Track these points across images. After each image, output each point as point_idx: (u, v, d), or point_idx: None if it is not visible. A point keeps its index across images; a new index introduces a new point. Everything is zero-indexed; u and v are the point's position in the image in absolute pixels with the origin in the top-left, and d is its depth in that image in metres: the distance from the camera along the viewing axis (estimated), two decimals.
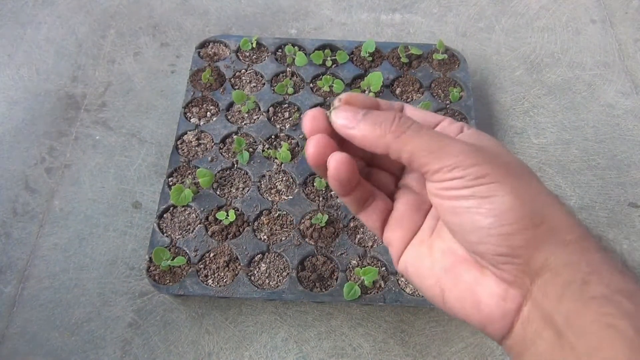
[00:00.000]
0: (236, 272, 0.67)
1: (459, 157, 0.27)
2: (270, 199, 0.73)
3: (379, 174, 0.34)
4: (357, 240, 0.70)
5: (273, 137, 0.80)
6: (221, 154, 0.77)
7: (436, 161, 0.27)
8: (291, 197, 0.73)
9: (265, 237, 0.70)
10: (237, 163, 0.76)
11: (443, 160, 0.27)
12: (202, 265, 0.68)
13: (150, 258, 0.68)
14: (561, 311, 0.25)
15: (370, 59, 0.87)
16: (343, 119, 0.29)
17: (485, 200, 0.26)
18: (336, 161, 0.29)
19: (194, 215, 0.72)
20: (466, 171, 0.27)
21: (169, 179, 0.74)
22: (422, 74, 0.86)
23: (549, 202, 0.27)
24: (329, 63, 0.86)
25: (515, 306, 0.27)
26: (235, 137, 0.78)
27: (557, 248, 0.26)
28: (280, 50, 0.89)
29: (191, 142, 0.78)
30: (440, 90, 0.84)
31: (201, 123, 0.80)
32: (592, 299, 0.24)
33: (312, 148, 0.29)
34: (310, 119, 0.30)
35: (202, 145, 0.78)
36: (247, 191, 0.74)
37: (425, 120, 0.32)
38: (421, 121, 0.31)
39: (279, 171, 0.76)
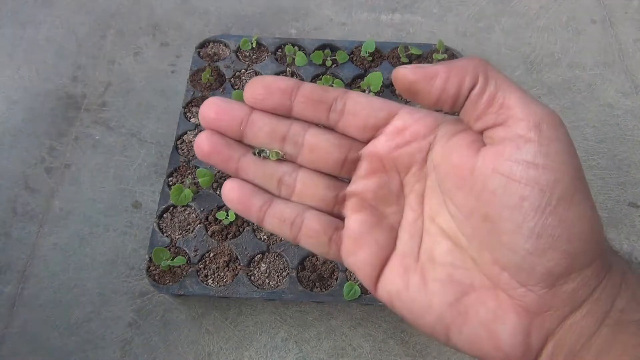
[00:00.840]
0: (236, 272, 0.67)
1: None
2: None
3: (307, 181, 0.28)
4: None
5: None
6: None
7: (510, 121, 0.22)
8: None
9: (265, 237, 0.70)
10: None
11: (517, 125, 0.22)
12: (202, 265, 0.68)
13: (150, 258, 0.68)
14: (591, 348, 0.22)
15: (370, 59, 0.87)
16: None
17: (569, 202, 0.22)
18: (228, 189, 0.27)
19: (194, 215, 0.72)
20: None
21: (169, 179, 0.74)
22: None
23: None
24: (328, 63, 0.86)
25: (541, 342, 0.23)
26: None
27: (594, 280, 0.22)
28: (280, 50, 0.89)
29: (191, 142, 0.78)
30: None
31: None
32: (624, 331, 0.21)
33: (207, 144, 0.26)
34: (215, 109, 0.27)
35: None
36: None
37: (372, 113, 0.27)
38: (367, 112, 0.26)
39: None
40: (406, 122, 0.27)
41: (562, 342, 0.22)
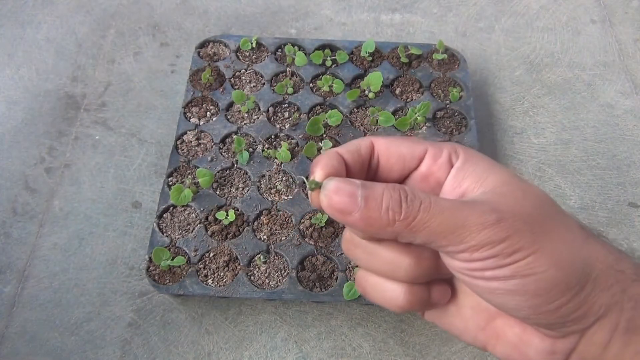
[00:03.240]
0: (236, 272, 0.67)
1: (484, 232, 0.23)
2: (270, 198, 0.73)
3: None
4: None
5: (273, 137, 0.80)
6: (221, 153, 0.77)
7: (458, 243, 0.24)
8: (291, 197, 0.73)
9: (265, 237, 0.70)
10: (236, 163, 0.76)
11: (466, 240, 0.24)
12: (201, 265, 0.68)
13: (150, 258, 0.68)
14: (608, 355, 0.25)
15: (370, 58, 0.87)
16: (339, 204, 0.24)
17: (528, 280, 0.24)
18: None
19: (193, 215, 0.72)
20: (497, 248, 0.23)
21: (169, 179, 0.74)
22: (422, 74, 0.86)
23: (586, 244, 0.25)
24: (328, 63, 0.86)
25: (565, 356, 0.26)
26: (235, 137, 0.78)
27: (601, 297, 0.24)
28: (280, 50, 0.89)
29: (191, 142, 0.78)
30: (440, 90, 0.84)
31: (201, 123, 0.80)
32: (634, 337, 0.24)
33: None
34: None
35: (202, 145, 0.78)
36: (247, 191, 0.74)
37: (401, 154, 0.28)
38: (397, 156, 0.28)
39: (279, 171, 0.76)
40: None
41: (584, 353, 0.25)
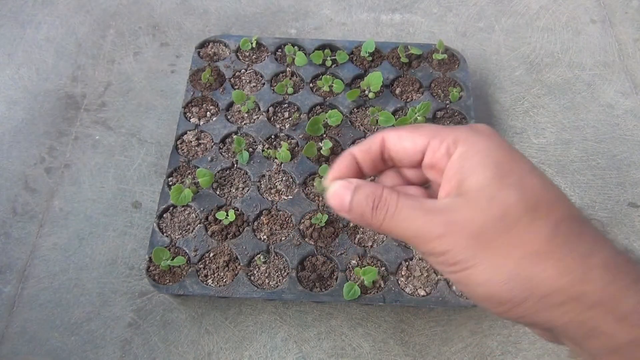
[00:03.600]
0: (236, 272, 0.67)
1: (430, 244, 0.27)
2: (270, 198, 0.73)
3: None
4: (356, 240, 0.70)
5: (273, 137, 0.80)
6: (221, 153, 0.77)
7: (416, 247, 0.28)
8: (291, 197, 0.73)
9: (265, 237, 0.70)
10: (236, 163, 0.76)
11: (420, 247, 0.28)
12: (201, 265, 0.68)
13: (150, 258, 0.68)
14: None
15: (370, 58, 0.87)
16: (335, 206, 0.31)
17: (468, 288, 0.27)
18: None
19: (193, 215, 0.72)
20: (440, 259, 0.27)
21: (169, 179, 0.74)
22: (422, 74, 0.86)
23: (535, 263, 0.26)
24: (328, 63, 0.86)
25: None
26: (235, 137, 0.78)
27: (549, 313, 0.26)
28: (280, 50, 0.89)
29: (191, 142, 0.78)
30: (440, 90, 0.84)
31: (201, 123, 0.80)
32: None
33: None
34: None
35: (202, 145, 0.78)
36: (247, 191, 0.74)
37: (405, 149, 0.31)
38: (402, 151, 0.31)
39: (279, 171, 0.76)
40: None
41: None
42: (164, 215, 0.72)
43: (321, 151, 0.76)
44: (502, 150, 0.28)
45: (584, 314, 0.25)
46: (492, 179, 0.27)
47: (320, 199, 0.73)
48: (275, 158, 0.76)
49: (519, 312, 0.26)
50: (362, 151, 0.32)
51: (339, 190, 0.30)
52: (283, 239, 0.70)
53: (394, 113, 0.81)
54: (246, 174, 0.76)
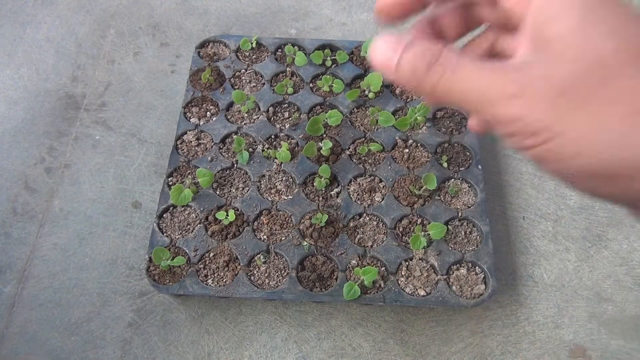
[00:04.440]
0: (236, 272, 0.67)
1: (500, 107, 0.22)
2: (270, 198, 0.73)
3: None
4: (356, 240, 0.70)
5: (273, 137, 0.80)
6: (221, 153, 0.77)
7: (482, 113, 0.23)
8: (291, 197, 0.73)
9: (265, 237, 0.70)
10: (236, 163, 0.76)
11: (488, 112, 0.22)
12: (201, 265, 0.68)
13: (150, 258, 0.68)
14: None
15: None
16: (378, 65, 0.25)
17: (553, 166, 0.22)
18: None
19: (193, 215, 0.72)
20: (513, 127, 0.22)
21: (169, 179, 0.74)
22: None
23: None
24: (328, 63, 0.86)
25: None
26: (235, 137, 0.78)
27: None
28: (280, 50, 0.89)
29: (191, 142, 0.78)
30: None
31: (201, 123, 0.80)
32: None
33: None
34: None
35: (202, 145, 0.78)
36: (247, 191, 0.74)
37: None
38: None
39: (279, 171, 0.76)
40: None
41: None
42: (164, 215, 0.72)
43: (321, 151, 0.76)
44: None
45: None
46: (582, 25, 0.21)
47: (320, 198, 0.73)
48: (275, 158, 0.76)
49: (634, 187, 0.21)
50: None
51: (385, 44, 0.24)
52: (283, 239, 0.70)
53: (394, 113, 0.81)
54: (246, 174, 0.76)
